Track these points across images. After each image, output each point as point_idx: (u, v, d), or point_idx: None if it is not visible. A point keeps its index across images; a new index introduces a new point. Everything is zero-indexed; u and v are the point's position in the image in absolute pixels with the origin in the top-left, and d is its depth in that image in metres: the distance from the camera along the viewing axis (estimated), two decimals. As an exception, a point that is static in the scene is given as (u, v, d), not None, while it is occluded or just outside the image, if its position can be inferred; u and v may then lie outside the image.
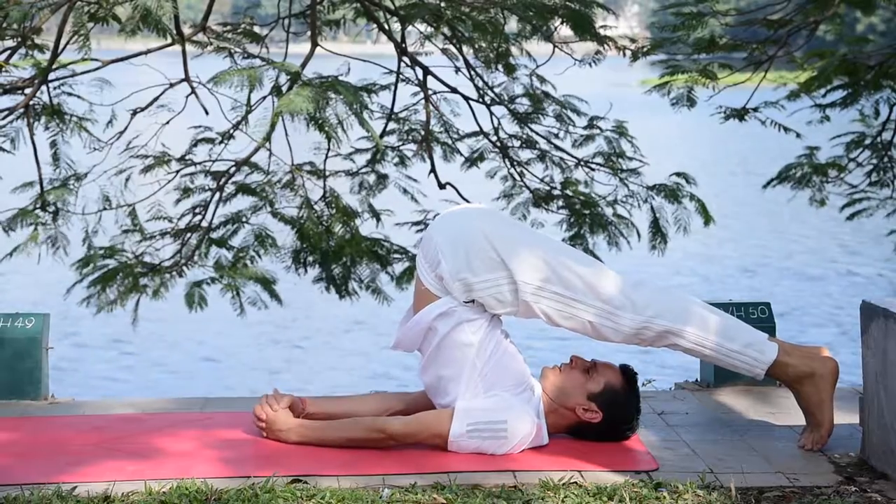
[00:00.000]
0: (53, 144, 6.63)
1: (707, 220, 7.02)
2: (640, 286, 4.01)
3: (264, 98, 6.44)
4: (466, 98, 7.09)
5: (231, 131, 6.77)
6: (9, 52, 6.23)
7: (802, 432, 4.09)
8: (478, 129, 7.20)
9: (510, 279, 3.94)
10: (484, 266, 3.94)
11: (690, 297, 4.13)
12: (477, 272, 3.94)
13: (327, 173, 7.04)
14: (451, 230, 4.01)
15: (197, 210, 6.96)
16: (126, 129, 6.72)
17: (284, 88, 5.85)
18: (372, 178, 7.26)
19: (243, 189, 6.92)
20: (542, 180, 7.19)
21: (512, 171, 7.23)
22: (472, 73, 7.02)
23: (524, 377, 4.04)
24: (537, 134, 7.14)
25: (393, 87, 6.97)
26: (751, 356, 4.03)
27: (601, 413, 4.02)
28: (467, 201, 6.30)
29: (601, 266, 4.07)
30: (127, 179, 6.82)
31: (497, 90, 7.10)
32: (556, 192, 7.15)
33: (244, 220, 6.97)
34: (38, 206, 6.59)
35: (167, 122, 6.72)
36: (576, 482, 3.66)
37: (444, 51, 6.95)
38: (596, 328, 3.99)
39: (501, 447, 3.91)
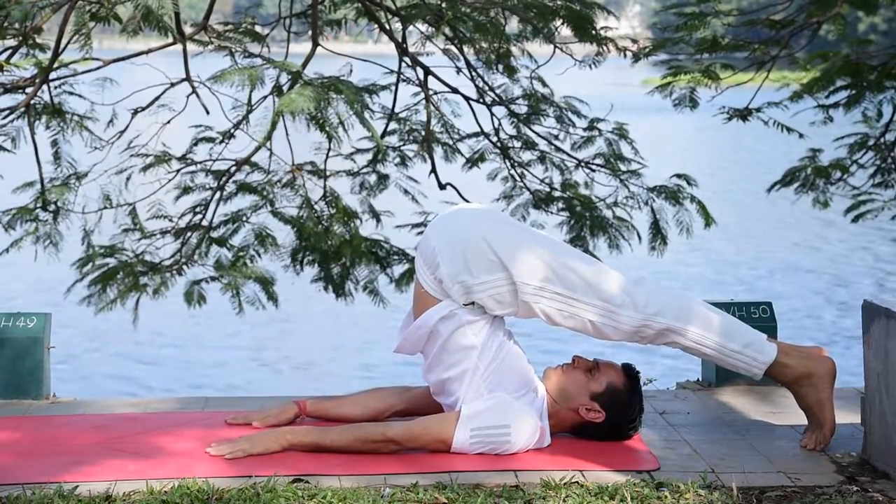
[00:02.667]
0: (54, 143, 6.63)
1: (708, 221, 7.01)
2: (640, 284, 4.00)
3: (265, 98, 6.44)
4: (467, 98, 7.09)
5: (232, 131, 6.77)
6: (10, 51, 6.23)
7: (804, 432, 4.08)
8: (478, 129, 7.20)
9: (509, 280, 3.93)
10: (483, 268, 3.93)
11: (691, 295, 4.13)
12: (476, 274, 3.92)
13: (328, 173, 7.03)
14: (449, 232, 3.99)
15: (197, 209, 6.96)
16: (127, 128, 6.72)
17: (285, 88, 5.85)
18: (373, 179, 7.26)
19: (244, 188, 6.91)
20: (542, 181, 7.18)
21: (512, 172, 7.22)
22: (473, 73, 7.02)
23: (528, 378, 4.04)
24: (538, 135, 7.14)
25: (394, 88, 6.97)
26: (750, 356, 4.03)
27: (604, 413, 4.02)
28: (467, 202, 6.29)
29: (601, 264, 4.06)
30: (127, 178, 6.82)
31: (498, 91, 7.09)
32: (556, 194, 7.15)
33: (244, 219, 6.97)
34: (38, 205, 6.59)
35: (168, 122, 6.72)
36: (577, 482, 3.66)
37: (444, 51, 6.95)
38: (596, 327, 3.98)
39: (505, 452, 3.90)
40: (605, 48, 6.77)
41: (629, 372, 4.08)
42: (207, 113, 6.51)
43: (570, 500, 3.50)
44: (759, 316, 4.70)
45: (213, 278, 6.94)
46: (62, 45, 6.03)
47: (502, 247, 3.93)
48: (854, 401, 4.18)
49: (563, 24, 6.61)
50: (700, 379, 4.86)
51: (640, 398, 4.08)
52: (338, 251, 6.88)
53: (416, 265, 4.07)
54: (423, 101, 7.00)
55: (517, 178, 7.22)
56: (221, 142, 6.85)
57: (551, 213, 7.15)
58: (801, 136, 7.35)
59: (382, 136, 7.00)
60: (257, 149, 6.67)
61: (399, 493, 3.54)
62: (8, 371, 4.53)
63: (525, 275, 3.92)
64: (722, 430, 4.23)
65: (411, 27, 6.71)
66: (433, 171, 6.98)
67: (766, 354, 4.04)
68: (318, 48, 6.69)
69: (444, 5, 6.42)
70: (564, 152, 7.14)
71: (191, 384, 10.56)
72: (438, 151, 7.13)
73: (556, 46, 6.77)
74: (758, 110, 7.46)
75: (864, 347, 3.87)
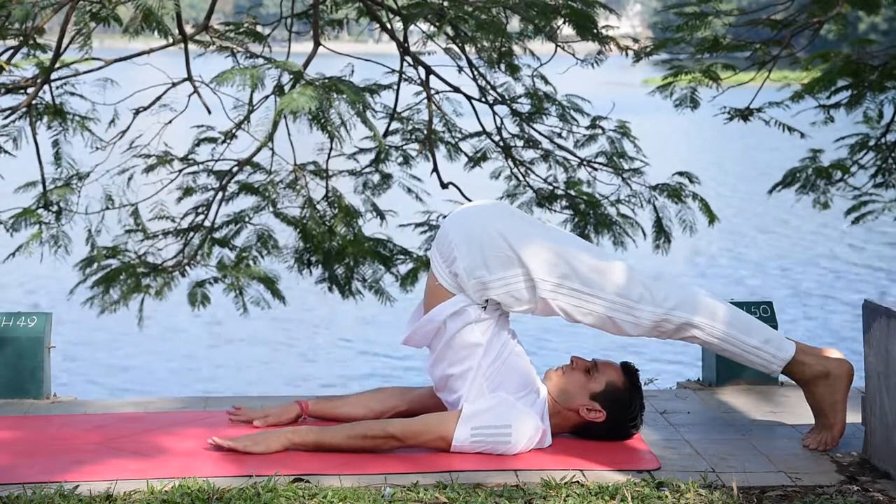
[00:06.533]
0: (56, 144, 6.63)
1: (711, 219, 7.01)
2: (658, 279, 3.99)
3: (267, 97, 6.44)
4: (469, 97, 7.09)
5: (233, 131, 6.77)
6: (11, 51, 6.23)
7: (809, 432, 4.08)
8: (481, 128, 7.20)
9: (527, 276, 3.92)
10: (499, 264, 3.92)
11: (705, 291, 4.12)
12: (493, 270, 3.92)
13: (330, 173, 7.03)
14: (466, 227, 3.99)
15: (199, 210, 6.96)
16: (128, 128, 6.72)
17: (287, 88, 5.85)
18: (376, 178, 7.25)
19: (246, 188, 6.91)
20: (545, 180, 7.18)
21: (515, 170, 7.22)
22: (475, 72, 7.01)
23: (530, 378, 4.04)
24: (540, 134, 7.14)
25: (395, 87, 6.97)
26: (769, 352, 4.01)
27: (604, 412, 4.01)
28: (469, 200, 6.28)
29: (618, 259, 4.05)
30: (129, 179, 6.83)
31: (500, 90, 7.09)
32: (559, 192, 7.14)
33: (247, 219, 6.97)
34: (40, 205, 6.60)
35: (170, 122, 6.72)
36: (578, 481, 3.66)
37: (446, 50, 6.94)
38: (615, 322, 3.97)
39: (506, 453, 3.90)
40: (606, 47, 6.76)
41: (628, 370, 4.08)
42: (209, 113, 6.52)
43: (570, 499, 3.50)
44: (760, 316, 4.69)
45: (216, 279, 6.94)
46: (63, 46, 6.03)
47: (519, 243, 3.93)
48: (855, 400, 4.18)
49: (564, 22, 6.61)
50: (701, 378, 4.86)
51: (640, 396, 4.08)
52: (341, 251, 6.88)
53: (432, 258, 4.06)
54: (425, 101, 7.00)
55: (520, 176, 7.21)
56: (223, 142, 6.85)
57: (555, 211, 7.14)
58: (802, 136, 7.35)
59: (385, 135, 7.00)
60: (259, 149, 6.67)
61: (400, 492, 3.54)
62: (9, 371, 4.53)
63: (543, 271, 3.92)
64: (722, 429, 4.23)
65: (413, 26, 6.70)
66: (435, 170, 6.98)
67: (786, 351, 4.03)
68: (320, 48, 6.69)
69: (445, 4, 6.41)
70: (567, 150, 7.14)
71: (191, 384, 10.56)
72: (441, 150, 7.13)
73: (557, 45, 6.77)
74: (759, 110, 7.45)
75: (864, 347, 3.87)
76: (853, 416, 4.10)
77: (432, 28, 6.65)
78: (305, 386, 10.29)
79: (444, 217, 5.32)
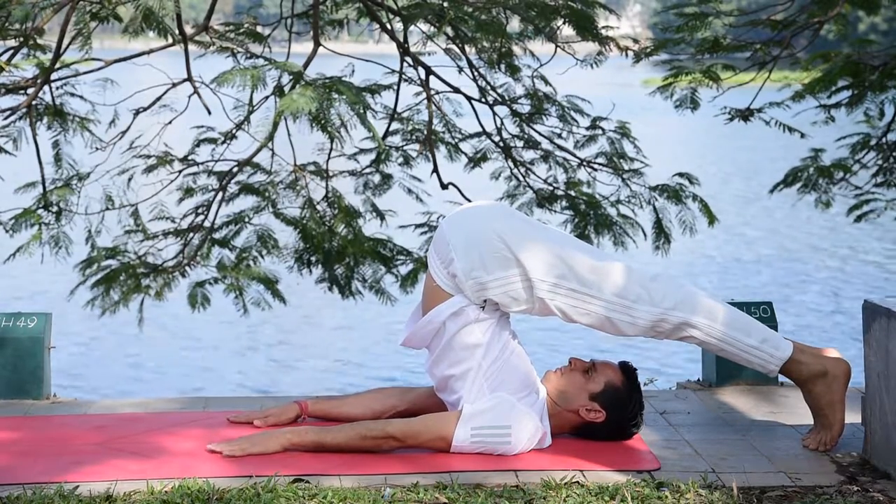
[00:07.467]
0: (56, 144, 6.63)
1: (711, 220, 7.01)
2: (656, 279, 3.98)
3: (267, 98, 6.44)
4: (469, 98, 7.09)
5: (234, 131, 6.78)
6: (11, 51, 6.24)
7: (809, 432, 4.08)
8: (481, 129, 7.20)
9: (524, 276, 3.92)
10: (497, 264, 3.92)
11: (703, 291, 4.12)
12: (490, 270, 3.92)
13: (331, 173, 7.04)
14: (463, 228, 3.98)
15: (199, 210, 6.96)
16: (128, 128, 6.72)
17: (287, 88, 5.85)
18: (376, 179, 7.26)
19: (246, 189, 6.92)
20: (545, 181, 7.18)
21: (515, 171, 7.22)
22: (475, 73, 7.02)
23: (530, 379, 4.03)
24: (540, 134, 7.14)
25: (396, 87, 6.97)
26: (767, 352, 4.01)
27: (604, 412, 4.01)
28: (469, 201, 6.28)
29: (615, 259, 4.04)
30: (129, 179, 6.83)
31: (500, 90, 7.09)
32: (559, 193, 7.15)
33: (247, 220, 6.97)
34: (40, 205, 6.60)
35: (170, 122, 6.72)
36: (578, 481, 3.66)
37: (446, 51, 6.94)
38: (613, 323, 3.97)
39: (505, 453, 3.90)
40: (606, 47, 6.76)
41: (626, 369, 4.08)
42: (209, 113, 6.52)
43: (570, 499, 3.50)
44: (760, 316, 4.69)
45: (215, 279, 6.94)
46: (63, 46, 6.03)
47: (517, 243, 3.93)
48: (854, 400, 4.18)
49: (564, 23, 6.61)
50: (700, 379, 4.86)
51: (639, 395, 4.07)
52: (341, 251, 6.88)
53: (430, 259, 4.06)
54: (425, 101, 7.00)
55: (520, 177, 7.22)
56: (223, 142, 6.86)
57: (555, 211, 7.14)
58: (802, 135, 7.35)
59: (385, 136, 7.01)
60: (259, 149, 6.67)
61: (399, 492, 3.54)
62: (9, 371, 4.53)
63: (541, 272, 3.91)
64: (722, 430, 4.23)
65: (413, 27, 6.70)
66: (435, 170, 6.99)
67: (783, 350, 4.02)
68: (320, 48, 6.69)
69: (445, 5, 6.41)
70: (567, 151, 7.14)
71: (192, 384, 10.56)
72: (441, 151, 7.13)
73: (557, 46, 6.77)
74: (759, 110, 7.46)
75: (864, 347, 3.87)
76: (853, 416, 4.10)
77: (432, 28, 6.65)
78: (307, 387, 10.29)
79: (443, 218, 5.35)
